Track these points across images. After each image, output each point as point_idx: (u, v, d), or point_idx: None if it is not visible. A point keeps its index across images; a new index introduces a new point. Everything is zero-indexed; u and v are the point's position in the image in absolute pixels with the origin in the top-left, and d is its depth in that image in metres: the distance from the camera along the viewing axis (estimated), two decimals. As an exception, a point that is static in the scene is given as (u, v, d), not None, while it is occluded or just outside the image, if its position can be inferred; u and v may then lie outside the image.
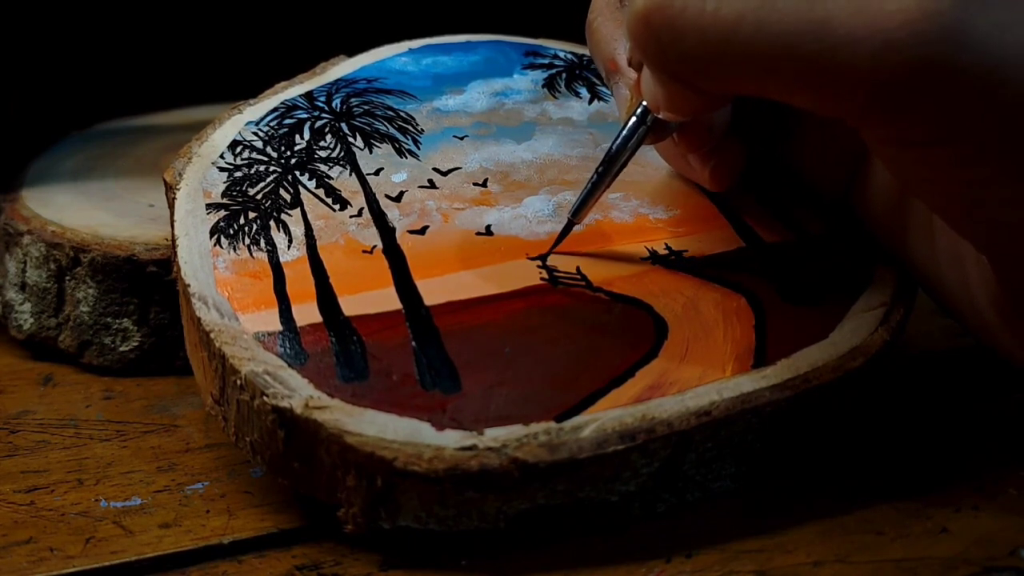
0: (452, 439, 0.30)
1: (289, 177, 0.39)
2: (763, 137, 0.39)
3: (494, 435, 0.30)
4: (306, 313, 0.34)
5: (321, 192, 0.39)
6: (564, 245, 0.37)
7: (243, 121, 0.42)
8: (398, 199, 0.39)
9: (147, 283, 0.42)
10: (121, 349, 0.42)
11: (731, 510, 0.32)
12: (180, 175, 0.39)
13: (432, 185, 0.39)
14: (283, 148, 0.41)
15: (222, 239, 0.36)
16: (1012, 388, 0.39)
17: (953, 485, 0.33)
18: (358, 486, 0.30)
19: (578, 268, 0.36)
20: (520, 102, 0.44)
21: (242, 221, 0.37)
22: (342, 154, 0.41)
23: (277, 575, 0.31)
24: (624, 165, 0.36)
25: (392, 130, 0.42)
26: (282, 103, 0.43)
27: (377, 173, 0.40)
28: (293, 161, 0.40)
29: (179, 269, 0.35)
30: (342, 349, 0.32)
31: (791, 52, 0.28)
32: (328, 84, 0.44)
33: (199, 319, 0.33)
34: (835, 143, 0.37)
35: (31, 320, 0.43)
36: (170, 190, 0.38)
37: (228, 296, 0.34)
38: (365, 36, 0.48)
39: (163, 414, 0.39)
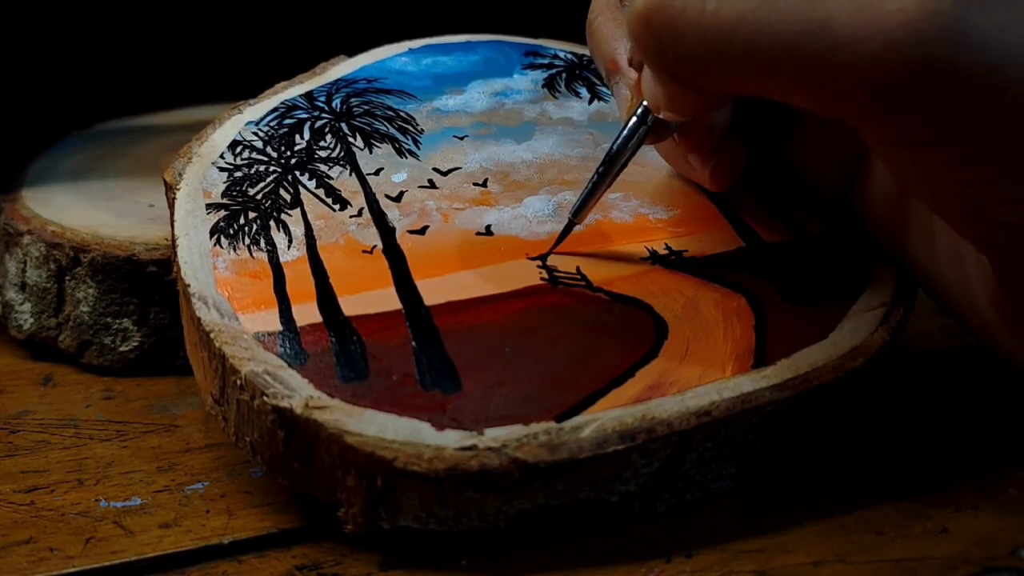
0: (452, 439, 0.30)
1: (289, 177, 0.39)
2: (763, 137, 0.39)
3: (494, 435, 0.30)
4: (306, 313, 0.34)
5: (321, 192, 0.39)
6: (564, 245, 0.37)
7: (243, 121, 0.42)
8: (398, 199, 0.39)
9: (147, 283, 0.42)
10: (121, 349, 0.42)
11: (731, 510, 0.32)
12: (180, 175, 0.39)
13: (432, 185, 0.39)
14: (283, 148, 0.41)
15: (222, 239, 0.36)
16: (1012, 388, 0.39)
17: (953, 485, 0.33)
18: (358, 486, 0.30)
19: (578, 268, 0.36)
20: (520, 102, 0.44)
21: (242, 221, 0.37)
22: (342, 154, 0.41)
23: (277, 575, 0.31)
24: (624, 165, 0.36)
25: (392, 130, 0.42)
26: (282, 103, 0.43)
27: (377, 173, 0.40)
28: (293, 161, 0.40)
29: (179, 269, 0.35)
30: (342, 349, 0.32)
31: (791, 52, 0.28)
32: (328, 84, 0.44)
33: (199, 319, 0.33)
34: (835, 143, 0.37)
35: (31, 320, 0.43)
36: (170, 190, 0.38)
37: (228, 296, 0.34)
38: (365, 36, 0.48)
39: (163, 414, 0.39)
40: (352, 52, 0.47)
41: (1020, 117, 0.28)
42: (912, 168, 0.31)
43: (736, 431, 0.32)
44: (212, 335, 0.33)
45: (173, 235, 0.37)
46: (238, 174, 0.39)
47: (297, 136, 0.41)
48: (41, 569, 0.31)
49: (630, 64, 0.37)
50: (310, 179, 0.39)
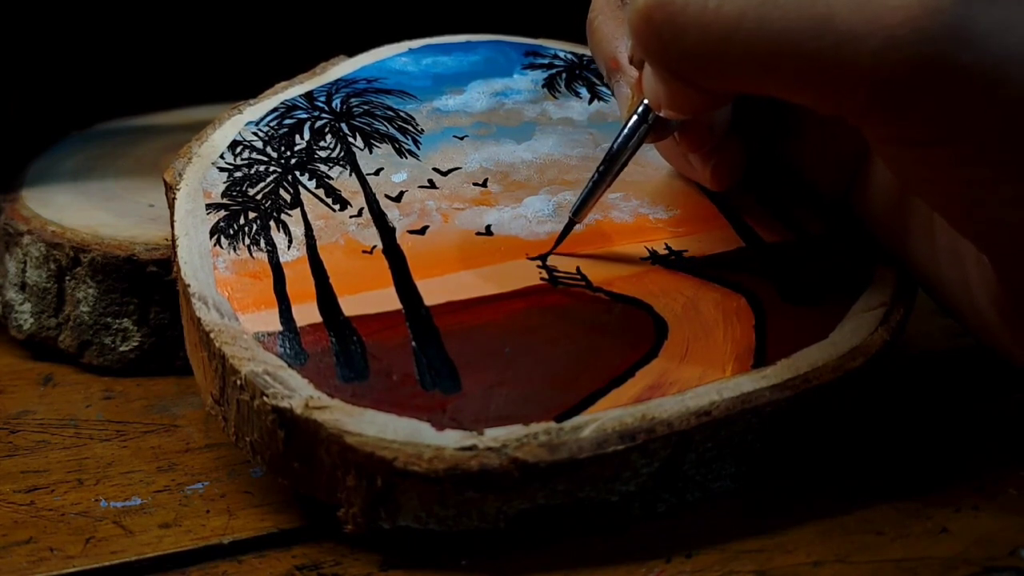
0: (452, 439, 0.30)
1: (289, 177, 0.39)
2: (763, 136, 0.39)
3: (494, 435, 0.30)
4: (306, 313, 0.34)
5: (321, 192, 0.39)
6: (564, 245, 0.37)
7: (243, 121, 0.42)
8: (398, 199, 0.39)
9: (147, 283, 0.42)
10: (121, 349, 0.42)
11: (731, 510, 0.32)
12: (180, 175, 0.39)
13: (432, 185, 0.39)
14: (283, 148, 0.41)
15: (222, 239, 0.36)
16: (1012, 388, 0.39)
17: (953, 485, 0.33)
18: (358, 486, 0.30)
19: (578, 268, 0.36)
20: (520, 102, 0.44)
21: (242, 221, 0.37)
22: (342, 154, 0.41)
23: (277, 575, 0.31)
24: (625, 164, 0.36)
25: (392, 130, 0.42)
26: (282, 103, 0.43)
27: (377, 173, 0.40)
28: (293, 161, 0.40)
29: (179, 269, 0.35)
30: (342, 349, 0.32)
31: (792, 49, 0.28)
32: (328, 84, 0.44)
33: (199, 319, 0.33)
34: (835, 142, 0.37)
35: (31, 320, 0.43)
36: (170, 190, 0.38)
37: (228, 296, 0.34)
38: (365, 36, 0.48)
39: (163, 414, 0.39)
40: (352, 52, 0.47)
41: (1021, 116, 0.28)
42: (913, 167, 0.30)
43: (736, 431, 0.32)
44: (212, 335, 0.33)
45: (173, 235, 0.37)
46: (238, 174, 0.39)
47: (297, 136, 0.41)
48: (41, 569, 0.31)
49: (631, 62, 0.37)
50: (310, 179, 0.39)
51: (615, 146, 0.36)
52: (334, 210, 0.38)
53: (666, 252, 0.37)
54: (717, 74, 0.30)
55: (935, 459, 0.35)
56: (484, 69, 0.46)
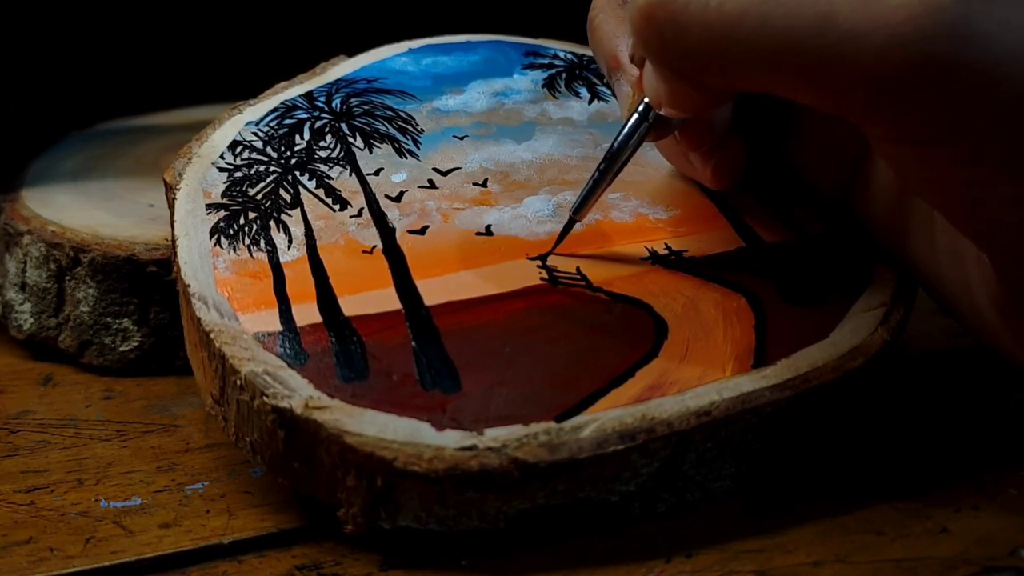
0: (452, 439, 0.30)
1: (289, 177, 0.39)
2: (764, 135, 0.39)
3: (494, 435, 0.30)
4: (306, 313, 0.34)
5: (321, 192, 0.39)
6: (564, 245, 0.37)
7: (243, 121, 0.42)
8: (398, 199, 0.39)
9: (147, 283, 0.42)
10: (121, 349, 0.42)
11: (731, 510, 0.32)
12: (180, 175, 0.39)
13: (432, 185, 0.39)
14: (283, 148, 0.41)
15: (222, 239, 0.36)
16: (1012, 388, 0.39)
17: (953, 485, 0.33)
18: (358, 486, 0.30)
19: (578, 268, 0.36)
20: (520, 102, 0.44)
21: (242, 221, 0.37)
22: (342, 154, 0.41)
23: (277, 575, 0.31)
24: (626, 163, 0.36)
25: (392, 130, 0.42)
26: (282, 103, 0.43)
27: (377, 173, 0.40)
28: (293, 161, 0.40)
29: (179, 269, 0.35)
30: (342, 349, 0.32)
31: (794, 47, 0.28)
32: (328, 84, 0.44)
33: (199, 319, 0.33)
34: (836, 142, 0.37)
35: (31, 320, 0.43)
36: (170, 190, 0.38)
37: (228, 296, 0.34)
38: (365, 36, 0.48)
39: (163, 414, 0.39)
40: (352, 52, 0.47)
41: (1022, 116, 0.28)
42: (913, 166, 0.31)
43: (736, 431, 0.32)
44: (212, 335, 0.33)
45: (173, 235, 0.37)
46: (238, 174, 0.39)
47: (297, 136, 0.41)
48: (41, 569, 0.31)
49: (632, 61, 0.37)
50: (310, 179, 0.39)
51: (616, 144, 0.36)
52: (334, 210, 0.38)
53: (666, 252, 0.37)
54: (718, 72, 0.30)
55: (935, 459, 0.35)
56: (484, 69, 0.46)
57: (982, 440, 0.36)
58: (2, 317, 0.45)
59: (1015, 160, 0.28)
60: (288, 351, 0.32)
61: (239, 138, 0.41)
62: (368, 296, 0.34)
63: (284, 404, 0.30)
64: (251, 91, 0.44)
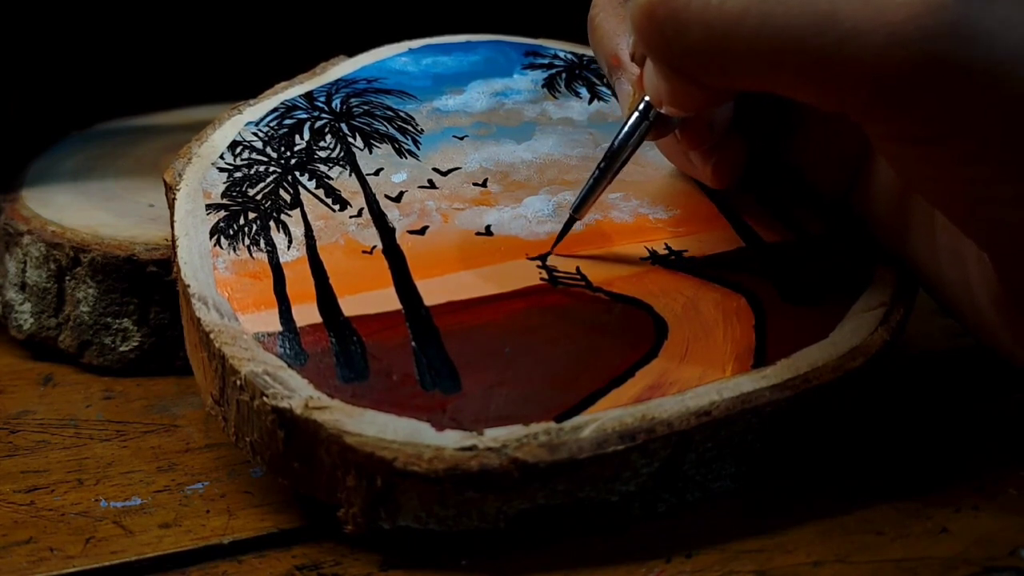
0: (452, 439, 0.30)
1: (289, 177, 0.39)
2: (765, 134, 0.39)
3: (494, 435, 0.30)
4: (306, 313, 0.34)
5: (321, 192, 0.39)
6: (564, 245, 0.37)
7: (243, 121, 0.42)
8: (398, 199, 0.39)
9: (147, 283, 0.42)
10: (121, 349, 0.42)
11: (731, 510, 0.32)
12: (180, 175, 0.39)
13: (432, 185, 0.39)
14: (283, 148, 0.41)
15: (222, 239, 0.36)
16: (1012, 388, 0.39)
17: (953, 485, 0.33)
18: (358, 486, 0.30)
19: (578, 268, 0.36)
20: (520, 102, 0.44)
21: (242, 221, 0.37)
22: (342, 154, 0.41)
23: (277, 575, 0.31)
24: (626, 161, 0.36)
25: (392, 130, 0.42)
26: (282, 103, 0.43)
27: (377, 173, 0.40)
28: (293, 161, 0.40)
29: (179, 269, 0.35)
30: (342, 349, 0.32)
31: (795, 45, 0.28)
32: (328, 84, 0.44)
33: (199, 319, 0.33)
34: (837, 140, 0.37)
35: (31, 320, 0.43)
36: (170, 190, 0.38)
37: (228, 297, 0.34)
38: (365, 36, 0.48)
39: (163, 414, 0.39)
40: (352, 52, 0.47)
41: (1023, 115, 0.28)
42: (915, 165, 0.31)
43: (736, 431, 0.32)
44: (212, 335, 0.33)
45: (173, 235, 0.37)
46: (238, 174, 0.39)
47: (297, 136, 0.41)
48: (41, 569, 0.31)
49: (632, 59, 0.37)
50: (310, 179, 0.39)
51: (616, 143, 0.36)
52: (334, 210, 0.38)
53: (666, 252, 0.37)
54: (719, 71, 0.30)
55: (935, 459, 0.35)
56: (484, 69, 0.46)
57: (982, 440, 0.36)
58: (2, 317, 0.45)
59: (1016, 159, 0.28)
60: (288, 351, 0.32)
61: (239, 138, 0.41)
62: (368, 296, 0.34)
63: (284, 404, 0.30)
64: (251, 91, 0.44)
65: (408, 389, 0.31)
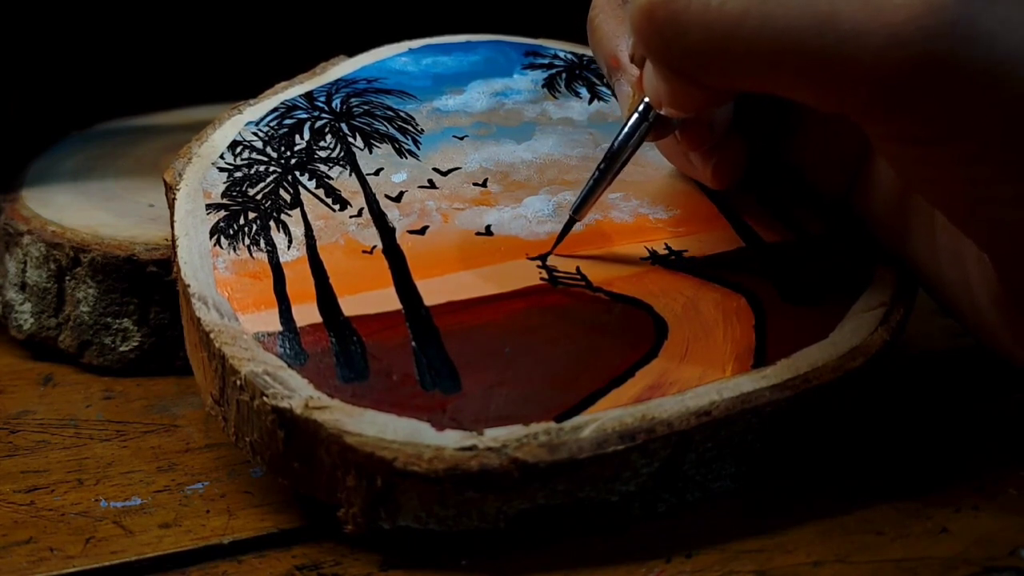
0: (452, 439, 0.30)
1: (289, 177, 0.39)
2: (765, 134, 0.39)
3: (494, 435, 0.30)
4: (306, 313, 0.34)
5: (321, 192, 0.39)
6: (564, 246, 0.37)
7: (243, 121, 0.42)
8: (398, 199, 0.39)
9: (147, 283, 0.42)
10: (121, 349, 0.42)
11: (731, 510, 0.32)
12: (180, 175, 0.39)
13: (432, 185, 0.39)
14: (283, 148, 0.41)
15: (222, 239, 0.36)
16: (1012, 388, 0.39)
17: (953, 485, 0.33)
18: (358, 486, 0.30)
19: (578, 268, 0.36)
20: (520, 102, 0.44)
21: (242, 221, 0.37)
22: (342, 154, 0.41)
23: (277, 575, 0.31)
24: (626, 162, 0.36)
25: (392, 130, 0.42)
26: (282, 103, 0.43)
27: (377, 173, 0.40)
28: (293, 161, 0.40)
29: (179, 269, 0.35)
30: (342, 349, 0.32)
31: (795, 47, 0.28)
32: (328, 84, 0.44)
33: (199, 319, 0.33)
34: (837, 141, 0.37)
35: (31, 320, 0.43)
36: (170, 190, 0.38)
37: (228, 296, 0.34)
38: (365, 36, 0.48)
39: (163, 414, 0.39)
40: (352, 52, 0.47)
41: (1023, 116, 0.28)
42: (915, 165, 0.31)
43: (736, 431, 0.32)
44: (212, 335, 0.33)
45: (173, 235, 0.37)
46: (238, 174, 0.39)
47: (297, 136, 0.41)
48: (41, 569, 0.31)
49: (632, 60, 0.37)
50: (310, 179, 0.39)
51: (616, 144, 0.36)
52: (334, 210, 0.38)
53: (666, 252, 0.37)
54: (719, 72, 0.30)
55: (935, 459, 0.35)
56: (484, 69, 0.46)
57: (982, 440, 0.36)
58: (2, 317, 0.45)
59: (1016, 159, 0.28)
60: (288, 351, 0.32)
61: (239, 138, 0.41)
62: (368, 296, 0.34)
63: (284, 404, 0.30)
64: (251, 91, 0.44)
65: (408, 389, 0.31)
